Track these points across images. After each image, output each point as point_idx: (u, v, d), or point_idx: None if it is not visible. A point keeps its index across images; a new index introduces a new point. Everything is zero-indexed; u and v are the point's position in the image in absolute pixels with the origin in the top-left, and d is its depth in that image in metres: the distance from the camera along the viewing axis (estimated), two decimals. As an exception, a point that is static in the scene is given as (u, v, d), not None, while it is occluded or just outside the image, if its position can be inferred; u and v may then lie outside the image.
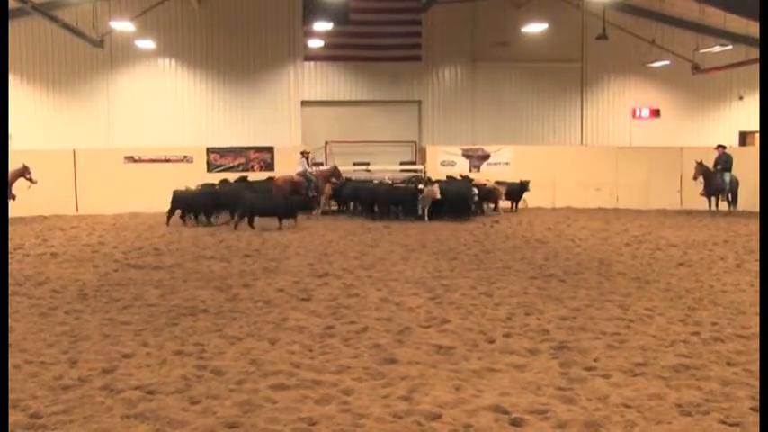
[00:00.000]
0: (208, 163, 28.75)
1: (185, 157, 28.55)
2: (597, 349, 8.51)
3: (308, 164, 26.22)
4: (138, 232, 20.79)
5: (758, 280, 13.04)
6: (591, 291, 12.03)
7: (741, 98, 34.30)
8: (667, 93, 33.89)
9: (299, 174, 25.20)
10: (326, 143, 31.79)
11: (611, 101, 33.86)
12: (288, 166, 27.80)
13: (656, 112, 34.00)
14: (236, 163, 28.91)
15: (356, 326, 9.62)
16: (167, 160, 28.28)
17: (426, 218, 23.44)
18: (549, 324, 9.70)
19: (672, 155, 29.04)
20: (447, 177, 26.62)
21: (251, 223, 21.34)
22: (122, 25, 26.61)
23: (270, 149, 29.40)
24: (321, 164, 29.45)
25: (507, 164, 29.50)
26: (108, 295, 11.71)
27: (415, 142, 32.82)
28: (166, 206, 22.70)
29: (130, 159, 28.20)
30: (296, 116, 31.79)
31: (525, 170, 27.48)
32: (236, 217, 21.80)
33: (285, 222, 21.60)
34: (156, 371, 7.71)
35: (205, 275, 13.56)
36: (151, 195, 26.28)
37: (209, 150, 29.02)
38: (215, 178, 26.81)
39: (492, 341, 8.88)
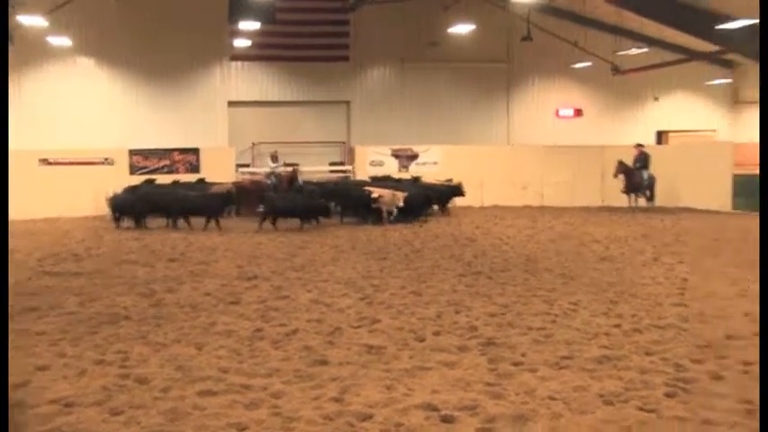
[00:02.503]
0: (130, 165, 28.10)
1: (106, 159, 27.79)
2: (524, 344, 8.63)
3: (275, 164, 26.49)
4: (55, 237, 20.15)
5: (668, 274, 13.37)
6: (518, 287, 12.19)
7: (656, 99, 35.27)
8: (589, 93, 34.56)
9: (266, 175, 25.11)
10: (254, 144, 31.51)
11: (536, 101, 34.36)
12: (215, 168, 27.51)
13: (578, 112, 34.65)
14: (161, 165, 28.36)
15: (286, 328, 9.54)
16: (87, 163, 27.53)
17: (390, 220, 22.51)
18: (477, 321, 9.79)
19: (594, 153, 29.60)
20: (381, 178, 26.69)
21: (274, 223, 21.37)
22: (33, 20, 24.98)
23: (195, 151, 28.91)
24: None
25: (436, 163, 29.66)
26: (21, 305, 10.98)
27: (344, 142, 32.79)
28: (86, 210, 22.14)
29: (45, 162, 27.12)
30: (223, 117, 31.39)
31: (453, 170, 27.65)
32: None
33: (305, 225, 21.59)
34: (74, 382, 7.38)
35: (128, 281, 13.23)
36: (69, 199, 25.63)
37: (132, 152, 28.31)
38: (137, 181, 26.14)
39: (422, 340, 8.91)
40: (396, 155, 30.14)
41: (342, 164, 31.41)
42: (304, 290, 12.18)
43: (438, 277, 13.27)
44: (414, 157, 30.17)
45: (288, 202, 22.07)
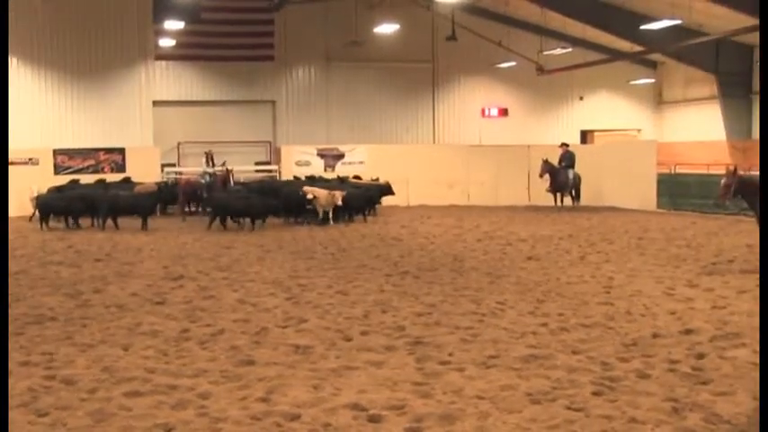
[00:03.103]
0: (55, 165, 27.59)
1: (30, 159, 27.23)
2: (452, 344, 8.70)
3: (211, 164, 26.18)
4: (-24, 239, 19.73)
5: (595, 273, 13.64)
6: (445, 286, 12.29)
7: (581, 98, 35.91)
8: (515, 93, 35.05)
9: (201, 174, 24.91)
10: (179, 144, 31.18)
11: (461, 100, 34.71)
12: (140, 168, 27.13)
13: (504, 112, 35.11)
14: (86, 165, 27.87)
15: (212, 328, 9.50)
16: (10, 163, 26.87)
17: (331, 221, 22.21)
18: (404, 321, 9.85)
19: (520, 153, 29.92)
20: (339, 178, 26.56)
21: (224, 222, 21.19)
22: None
23: (121, 150, 28.50)
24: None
25: (362, 163, 29.68)
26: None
27: (269, 142, 32.66)
28: (10, 210, 21.63)
29: None
30: (147, 116, 31.04)
31: (380, 169, 27.68)
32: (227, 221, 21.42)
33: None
34: (-1, 384, 7.34)
35: (53, 282, 13.05)
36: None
37: (57, 152, 27.81)
38: (62, 181, 25.71)
39: (349, 339, 8.95)
40: (321, 154, 30.08)
41: (268, 163, 31.27)
42: (230, 290, 12.12)
43: (365, 277, 13.31)
44: (340, 156, 30.15)
45: (240, 201, 21.67)
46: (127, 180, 25.76)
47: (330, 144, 30.89)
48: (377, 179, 26.44)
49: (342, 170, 28.95)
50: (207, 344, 8.79)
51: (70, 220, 21.94)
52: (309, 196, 21.94)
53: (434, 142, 33.93)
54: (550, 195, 26.97)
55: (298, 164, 29.58)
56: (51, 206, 22.04)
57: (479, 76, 34.46)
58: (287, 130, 32.51)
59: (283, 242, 18.28)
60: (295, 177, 27.03)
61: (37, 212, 22.32)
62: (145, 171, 26.60)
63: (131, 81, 30.92)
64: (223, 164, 26.75)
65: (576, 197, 27.09)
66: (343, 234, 19.85)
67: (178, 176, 27.93)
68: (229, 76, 31.81)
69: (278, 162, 30.55)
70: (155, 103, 31.16)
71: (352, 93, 33.21)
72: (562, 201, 26.95)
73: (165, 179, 27.43)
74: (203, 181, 25.58)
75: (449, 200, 29.32)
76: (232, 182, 25.23)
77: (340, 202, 22.01)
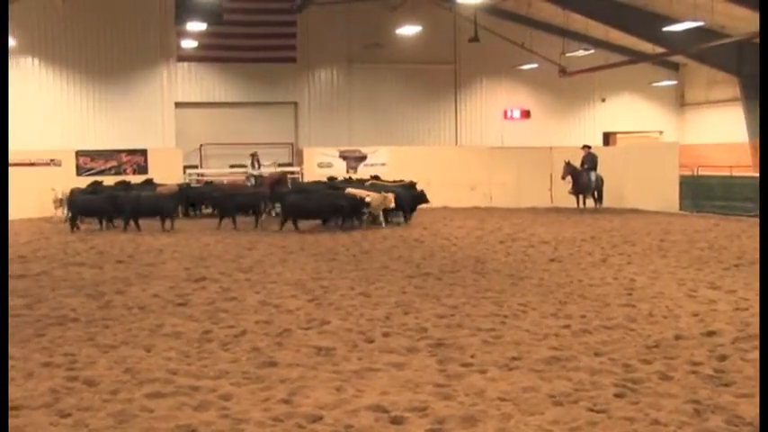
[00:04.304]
0: (77, 166, 27.80)
1: (52, 160, 27.45)
2: (474, 345, 8.67)
3: (257, 166, 26.09)
4: None
5: (617, 275, 13.56)
6: (467, 288, 12.25)
7: (603, 100, 35.70)
8: (537, 94, 34.87)
9: (246, 177, 25.09)
10: (201, 145, 31.30)
11: (483, 102, 34.59)
12: (162, 170, 27.27)
13: (526, 113, 34.95)
14: (108, 166, 28.08)
15: (234, 330, 9.51)
16: (32, 164, 27.12)
17: (383, 223, 21.84)
18: (426, 322, 9.82)
19: (542, 154, 29.83)
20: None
21: (295, 223, 20.97)
22: None
23: (143, 152, 28.69)
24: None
25: (384, 164, 29.67)
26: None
27: (292, 144, 32.70)
28: (32, 212, 21.75)
29: None
30: (169, 117, 31.12)
31: (402, 170, 27.65)
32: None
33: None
34: (21, 385, 7.33)
35: (75, 283, 13.10)
36: (15, 201, 25.22)
37: (79, 153, 28.05)
38: (84, 182, 25.78)
39: (371, 341, 8.93)
40: (344, 156, 30.14)
41: (290, 165, 31.32)
42: (252, 291, 12.14)
43: (386, 278, 13.29)
44: (362, 158, 30.18)
45: (312, 202, 21.34)
46: (149, 182, 25.90)
47: (352, 146, 30.92)
48: (400, 181, 26.22)
49: (364, 172, 28.96)
50: (229, 345, 8.80)
51: (103, 222, 22.04)
52: (368, 199, 21.49)
53: (456, 144, 33.86)
54: (573, 197, 26.91)
55: (320, 165, 29.64)
56: (82, 207, 22.12)
57: (501, 77, 34.34)
58: (309, 132, 32.52)
59: (305, 244, 18.28)
60: (330, 178, 26.76)
61: (67, 213, 22.35)
62: (167, 173, 26.71)
63: (153, 82, 31.03)
64: (275, 164, 26.57)
65: (599, 199, 27.01)
66: (365, 236, 19.83)
67: (222, 179, 27.67)
68: (251, 78, 31.86)
69: (300, 164, 30.60)
70: (177, 104, 31.27)
71: (375, 94, 33.19)
72: (584, 203, 26.90)
73: (187, 181, 27.55)
74: (249, 184, 25.49)
75: (471, 202, 29.28)
76: (289, 184, 24.77)
77: (393, 205, 21.73)
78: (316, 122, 32.62)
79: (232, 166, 29.32)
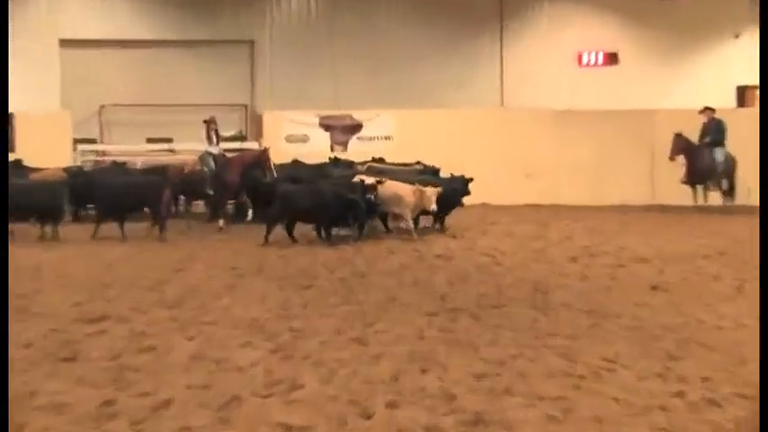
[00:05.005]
0: None
1: None
2: (531, 424, 8.57)
3: (215, 140, 24.58)
4: None
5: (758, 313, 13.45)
6: (520, 333, 12.18)
7: (737, 36, 35.52)
8: (629, 29, 34.96)
9: (200, 158, 24.15)
10: (101, 107, 31.25)
11: (544, 40, 34.59)
12: (39, 145, 27.20)
13: (612, 58, 34.94)
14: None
15: (152, 399, 9.38)
16: None
17: (414, 234, 21.70)
18: (457, 386, 9.71)
19: (637, 122, 29.87)
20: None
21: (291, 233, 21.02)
22: None
23: (6, 117, 28.53)
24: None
25: (388, 138, 29.67)
26: None
27: (245, 106, 32.71)
28: None
29: None
30: (52, 64, 31.20)
31: (416, 147, 27.64)
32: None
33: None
34: None
35: None
36: None
37: None
38: None
39: (369, 416, 8.82)
40: (326, 125, 30.13)
41: (243, 139, 31.18)
42: (182, 336, 12.09)
43: (394, 316, 13.26)
44: (354, 127, 30.22)
45: (310, 197, 21.18)
46: (17, 164, 25.73)
47: (339, 109, 30.85)
48: (418, 163, 26.05)
49: (358, 148, 28.88)
50: (144, 425, 8.66)
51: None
52: (400, 193, 21.41)
53: (502, 105, 33.87)
54: (687, 188, 26.85)
55: (289, 139, 29.58)
56: None
57: (574, 3, 34.35)
58: (272, 88, 32.55)
59: (266, 261, 18.28)
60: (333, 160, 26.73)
61: None
62: (46, 150, 26.67)
63: (27, 11, 30.96)
64: (241, 136, 26.30)
65: (729, 191, 26.95)
66: (359, 249, 19.79)
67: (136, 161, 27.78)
68: (183, 4, 31.88)
69: (258, 137, 30.49)
70: (63, 42, 31.26)
71: (372, 32, 33.26)
72: (706, 197, 26.92)
73: (79, 163, 27.53)
74: (205, 169, 24.21)
75: (525, 196, 29.38)
76: (273, 169, 23.77)
77: (434, 206, 21.48)
78: (282, 73, 32.65)
79: (150, 141, 29.16)
